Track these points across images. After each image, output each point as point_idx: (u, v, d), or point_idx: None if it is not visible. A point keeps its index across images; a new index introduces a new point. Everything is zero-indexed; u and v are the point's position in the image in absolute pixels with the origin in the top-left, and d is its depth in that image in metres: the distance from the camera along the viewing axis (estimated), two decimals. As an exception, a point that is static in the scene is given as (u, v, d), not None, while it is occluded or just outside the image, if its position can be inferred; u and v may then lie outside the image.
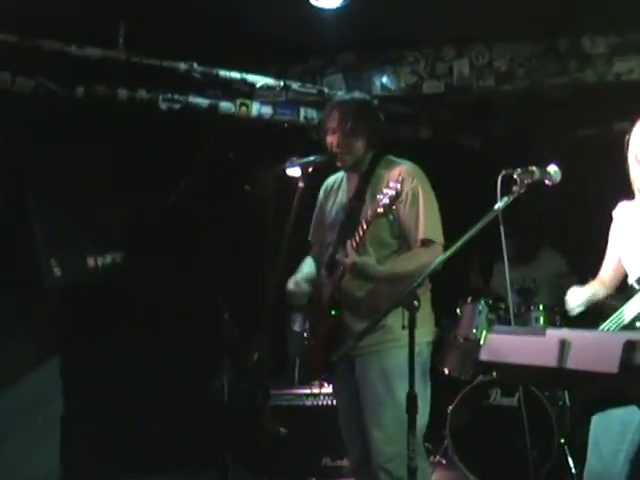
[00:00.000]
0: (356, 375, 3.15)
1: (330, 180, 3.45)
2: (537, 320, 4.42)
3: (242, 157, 4.93)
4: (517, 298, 4.80)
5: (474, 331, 4.49)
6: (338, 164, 3.25)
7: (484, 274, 5.15)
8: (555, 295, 4.72)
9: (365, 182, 3.20)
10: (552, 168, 2.62)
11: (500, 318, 4.50)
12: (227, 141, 4.76)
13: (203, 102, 4.43)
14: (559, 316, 4.34)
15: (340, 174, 3.40)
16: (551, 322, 4.36)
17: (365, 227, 2.92)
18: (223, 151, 4.83)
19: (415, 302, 2.35)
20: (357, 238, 2.91)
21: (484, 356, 2.21)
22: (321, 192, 3.47)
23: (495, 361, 2.23)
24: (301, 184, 3.10)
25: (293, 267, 3.36)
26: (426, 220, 3.06)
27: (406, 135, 5.05)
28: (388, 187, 2.76)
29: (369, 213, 2.83)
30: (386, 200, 2.75)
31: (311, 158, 3.19)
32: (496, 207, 2.49)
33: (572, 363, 1.99)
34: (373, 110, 3.24)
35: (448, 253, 2.44)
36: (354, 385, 3.15)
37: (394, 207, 2.76)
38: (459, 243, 2.43)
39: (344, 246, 2.99)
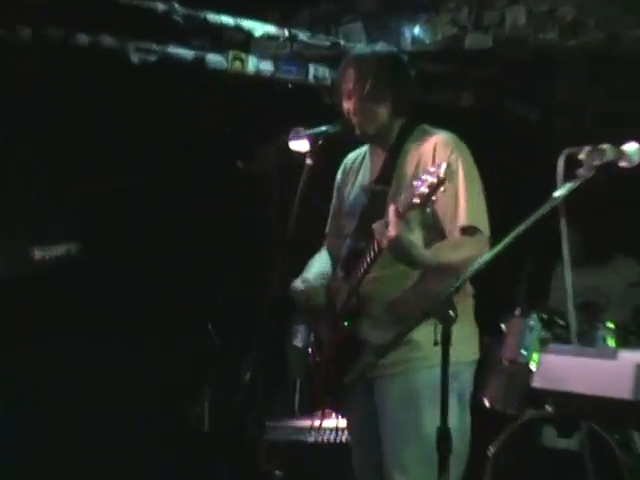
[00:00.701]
0: (375, 401, 3.15)
1: (350, 157, 3.45)
2: (605, 341, 4.34)
3: (234, 126, 4.90)
4: (580, 314, 4.61)
5: (523, 352, 4.42)
6: (357, 135, 3.24)
7: (537, 282, 5.13)
8: (629, 310, 4.74)
9: (392, 158, 3.19)
10: (631, 147, 2.59)
11: (557, 338, 4.40)
12: (215, 105, 4.73)
13: (186, 54, 4.40)
14: (635, 337, 4.29)
15: (362, 150, 3.40)
16: (623, 344, 4.25)
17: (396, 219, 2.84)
18: (211, 120, 4.82)
19: (450, 312, 2.34)
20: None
21: (537, 382, 2.25)
22: (339, 173, 3.47)
23: (551, 389, 2.25)
24: (309, 161, 3.08)
25: (299, 266, 3.40)
26: (468, 203, 3.03)
27: (442, 101, 5.01)
28: (427, 172, 2.67)
29: (401, 204, 2.77)
30: (424, 189, 2.66)
31: (322, 128, 3.16)
32: (555, 195, 2.46)
33: (650, 396, 2.07)
34: (400, 66, 3.24)
35: (494, 251, 2.41)
36: (372, 414, 3.16)
37: (434, 197, 2.68)
38: (508, 239, 2.40)
39: (362, 231, 2.95)
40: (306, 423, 4.43)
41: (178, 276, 4.79)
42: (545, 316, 4.56)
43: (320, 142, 3.13)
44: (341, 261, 3.28)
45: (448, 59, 4.77)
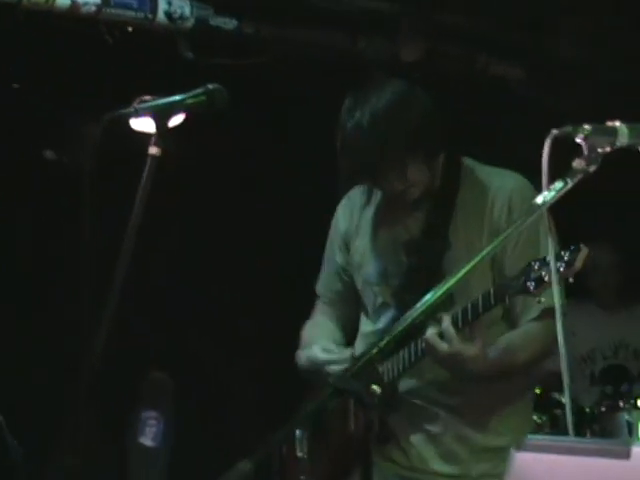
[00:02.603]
0: None
1: (357, 197, 3.46)
2: (630, 428, 4.33)
3: (38, 93, 4.62)
4: (597, 383, 4.79)
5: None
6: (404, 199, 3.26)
7: None
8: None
9: (443, 210, 3.25)
10: None
11: (556, 421, 4.42)
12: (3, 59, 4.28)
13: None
14: None
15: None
16: None
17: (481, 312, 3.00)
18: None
19: (374, 387, 2.20)
20: (468, 315, 3.00)
21: None
22: (341, 215, 3.49)
23: None
24: (154, 150, 2.69)
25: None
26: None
27: (373, 54, 4.81)
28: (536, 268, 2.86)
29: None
30: (536, 282, 2.86)
31: (176, 98, 2.78)
32: (539, 201, 2.23)
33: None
34: (415, 102, 3.23)
35: (454, 279, 2.27)
36: None
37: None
38: (465, 270, 2.24)
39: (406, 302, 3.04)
40: None
41: None
42: (538, 390, 4.43)
43: (171, 118, 2.79)
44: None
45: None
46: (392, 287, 3.32)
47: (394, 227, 3.37)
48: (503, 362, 3.12)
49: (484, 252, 2.31)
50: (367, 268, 3.39)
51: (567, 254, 2.79)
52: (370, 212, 3.43)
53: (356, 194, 3.49)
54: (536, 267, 2.88)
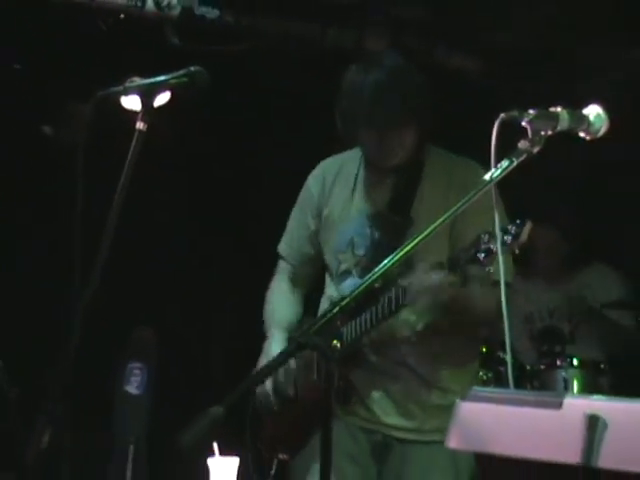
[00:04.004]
0: (390, 465, 3.22)
1: (329, 167, 3.45)
2: (566, 383, 4.24)
3: (39, 74, 4.56)
4: (535, 340, 4.63)
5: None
6: (379, 163, 3.28)
7: None
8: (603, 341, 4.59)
9: (409, 184, 3.25)
10: (592, 111, 2.41)
11: (500, 377, 4.34)
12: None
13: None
14: (607, 378, 4.23)
15: (345, 159, 3.39)
16: (592, 388, 4.18)
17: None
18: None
19: (336, 344, 2.27)
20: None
21: (452, 442, 2.08)
22: (313, 184, 3.46)
23: (469, 451, 2.18)
24: (141, 125, 2.68)
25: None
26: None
27: (334, 42, 4.76)
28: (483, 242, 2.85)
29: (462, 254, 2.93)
30: (486, 256, 2.85)
31: (161, 78, 2.76)
32: (487, 177, 2.30)
33: (606, 459, 1.82)
34: (415, 72, 3.25)
35: (406, 248, 2.28)
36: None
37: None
38: (418, 239, 2.26)
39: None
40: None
41: None
42: (484, 349, 4.40)
43: (157, 95, 2.78)
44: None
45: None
46: (357, 257, 3.34)
47: (363, 199, 3.38)
48: (462, 302, 3.16)
49: (436, 223, 2.35)
50: (335, 236, 3.40)
51: (513, 228, 2.83)
52: (341, 184, 3.41)
53: (328, 165, 3.48)
54: (485, 239, 2.91)
